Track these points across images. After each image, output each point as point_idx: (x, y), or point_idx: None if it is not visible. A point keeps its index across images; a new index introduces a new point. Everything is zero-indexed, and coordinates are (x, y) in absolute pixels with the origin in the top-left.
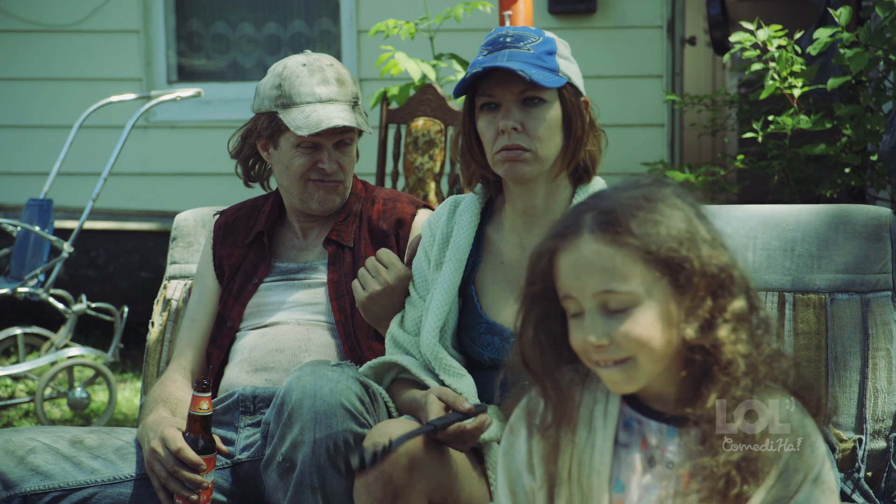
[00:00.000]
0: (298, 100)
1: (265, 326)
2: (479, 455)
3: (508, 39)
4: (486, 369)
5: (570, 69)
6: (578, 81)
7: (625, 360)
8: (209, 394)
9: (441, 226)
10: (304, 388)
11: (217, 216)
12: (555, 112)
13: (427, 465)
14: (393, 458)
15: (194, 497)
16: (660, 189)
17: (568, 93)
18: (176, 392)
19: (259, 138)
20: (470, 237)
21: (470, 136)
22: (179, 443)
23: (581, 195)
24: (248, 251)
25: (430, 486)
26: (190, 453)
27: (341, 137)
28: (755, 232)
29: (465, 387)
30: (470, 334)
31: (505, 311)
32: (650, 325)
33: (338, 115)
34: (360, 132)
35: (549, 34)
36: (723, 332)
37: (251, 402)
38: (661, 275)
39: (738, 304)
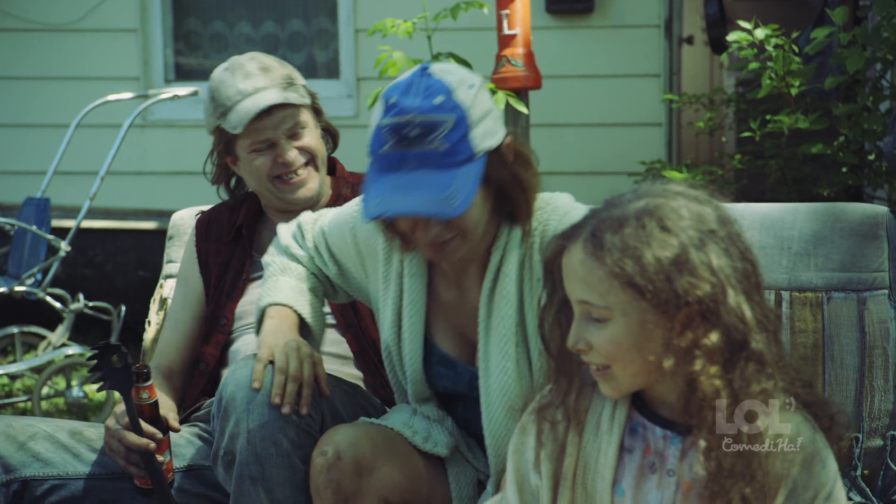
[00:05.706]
0: (229, 103)
1: None
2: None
3: (415, 132)
4: (443, 398)
5: (485, 127)
6: (494, 134)
7: (604, 367)
8: (150, 382)
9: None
10: (238, 381)
11: (199, 215)
12: (478, 196)
13: (377, 468)
14: (340, 466)
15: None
16: (667, 203)
17: (489, 161)
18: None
19: (221, 156)
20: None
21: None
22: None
23: (505, 232)
24: (235, 248)
25: (383, 488)
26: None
27: (291, 130)
28: (751, 230)
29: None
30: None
31: (450, 345)
32: (618, 342)
33: (265, 99)
34: (319, 116)
35: (459, 96)
36: (696, 365)
37: None
38: (638, 297)
39: (714, 337)
